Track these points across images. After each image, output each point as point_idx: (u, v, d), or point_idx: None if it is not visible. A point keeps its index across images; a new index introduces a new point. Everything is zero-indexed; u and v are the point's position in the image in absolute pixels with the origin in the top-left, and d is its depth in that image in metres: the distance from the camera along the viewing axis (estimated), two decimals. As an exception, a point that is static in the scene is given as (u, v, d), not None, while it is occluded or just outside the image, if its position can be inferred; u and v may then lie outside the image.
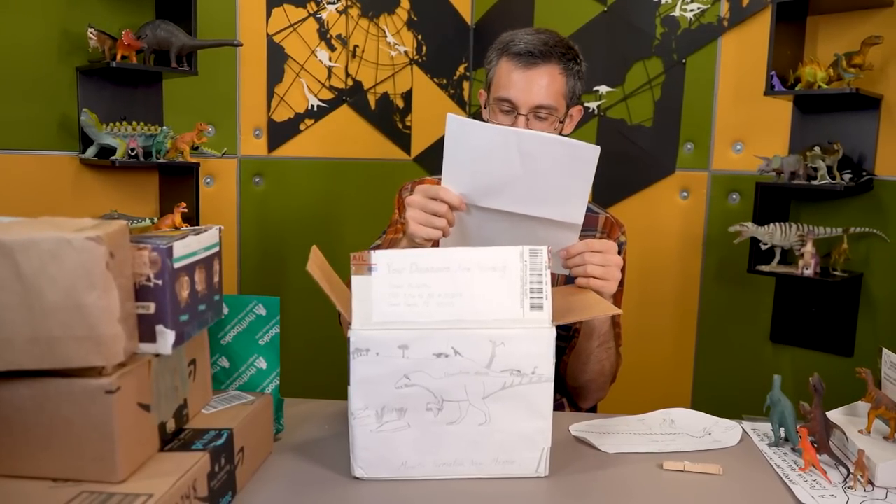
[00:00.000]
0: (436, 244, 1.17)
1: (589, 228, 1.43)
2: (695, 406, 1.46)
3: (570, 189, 1.10)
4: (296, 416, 1.13)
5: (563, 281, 1.35)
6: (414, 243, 1.16)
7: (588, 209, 1.42)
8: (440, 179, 1.49)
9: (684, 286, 2.41)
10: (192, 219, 2.07)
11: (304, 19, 2.44)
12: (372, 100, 2.60)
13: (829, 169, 2.01)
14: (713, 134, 2.32)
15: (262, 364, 1.02)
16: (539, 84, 1.34)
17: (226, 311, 0.99)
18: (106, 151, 2.00)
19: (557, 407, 1.43)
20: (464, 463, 0.94)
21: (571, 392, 1.46)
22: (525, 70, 1.34)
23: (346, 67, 2.53)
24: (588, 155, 1.07)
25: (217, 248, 0.89)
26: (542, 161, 1.09)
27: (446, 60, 2.73)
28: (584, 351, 1.34)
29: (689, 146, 2.36)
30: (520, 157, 1.09)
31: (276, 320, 1.02)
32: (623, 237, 1.47)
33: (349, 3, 2.51)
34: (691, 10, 2.31)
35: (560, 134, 1.38)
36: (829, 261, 2.06)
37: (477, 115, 2.74)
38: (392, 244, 1.43)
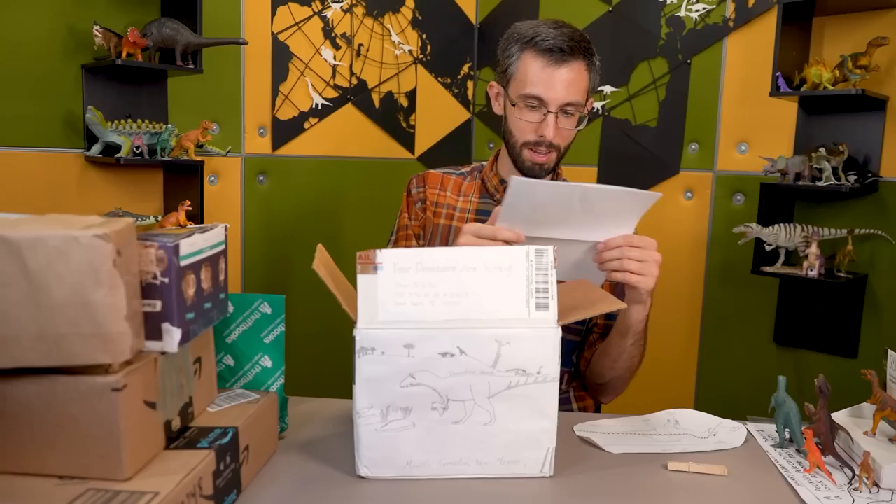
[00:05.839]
0: None
1: None
2: (698, 406, 1.45)
3: (621, 221, 1.16)
4: (300, 415, 1.13)
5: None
6: None
7: None
8: (445, 173, 1.52)
9: (688, 287, 2.41)
10: (197, 217, 2.07)
11: (309, 18, 2.44)
12: (376, 99, 2.60)
13: (835, 170, 2.01)
14: (718, 134, 2.31)
15: (267, 362, 1.02)
16: (569, 81, 1.32)
17: (231, 309, 0.99)
18: (111, 149, 2.01)
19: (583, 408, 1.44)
20: (469, 462, 0.94)
21: (592, 389, 1.45)
22: (556, 67, 1.32)
23: (351, 66, 2.53)
24: (649, 200, 1.13)
25: (223, 247, 0.89)
26: (603, 207, 1.13)
27: (451, 59, 2.72)
28: (617, 349, 1.33)
29: (693, 146, 2.36)
30: (580, 205, 1.11)
31: (282, 318, 1.02)
32: None
33: (354, 2, 2.51)
34: (697, 11, 2.30)
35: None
36: (834, 262, 2.05)
37: (482, 114, 2.77)
38: None
